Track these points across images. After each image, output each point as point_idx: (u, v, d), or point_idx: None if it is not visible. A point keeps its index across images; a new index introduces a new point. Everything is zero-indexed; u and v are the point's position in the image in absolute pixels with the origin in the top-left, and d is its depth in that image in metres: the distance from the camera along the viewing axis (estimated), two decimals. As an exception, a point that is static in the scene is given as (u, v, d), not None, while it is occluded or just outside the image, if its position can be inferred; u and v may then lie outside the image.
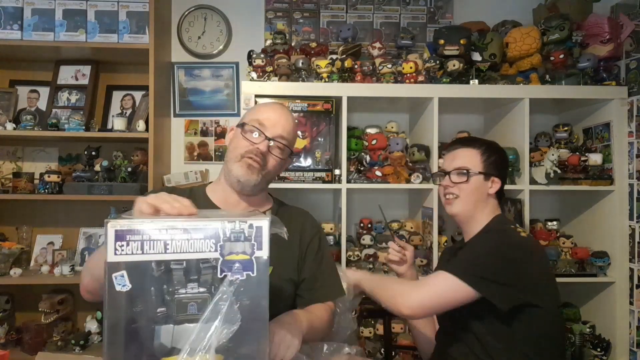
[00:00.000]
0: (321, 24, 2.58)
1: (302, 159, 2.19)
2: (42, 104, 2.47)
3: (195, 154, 2.60)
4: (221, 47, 2.58)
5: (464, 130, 2.41)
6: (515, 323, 1.33)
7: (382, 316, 1.97)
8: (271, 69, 2.15)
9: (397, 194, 2.53)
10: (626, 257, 2.14)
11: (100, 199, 2.23)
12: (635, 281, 2.11)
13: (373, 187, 2.18)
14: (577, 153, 2.22)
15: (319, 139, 2.20)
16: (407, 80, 2.15)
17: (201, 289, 0.80)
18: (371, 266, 2.17)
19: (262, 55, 2.16)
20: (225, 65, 2.59)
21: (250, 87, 2.08)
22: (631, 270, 2.12)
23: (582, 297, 2.33)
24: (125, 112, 2.49)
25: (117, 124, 2.30)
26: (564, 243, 2.24)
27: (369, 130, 2.34)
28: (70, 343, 2.22)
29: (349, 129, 2.23)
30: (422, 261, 2.14)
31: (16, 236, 2.44)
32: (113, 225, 0.77)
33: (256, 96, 2.09)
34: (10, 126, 2.25)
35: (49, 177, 2.27)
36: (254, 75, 2.15)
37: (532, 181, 2.14)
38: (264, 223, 0.81)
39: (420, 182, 2.15)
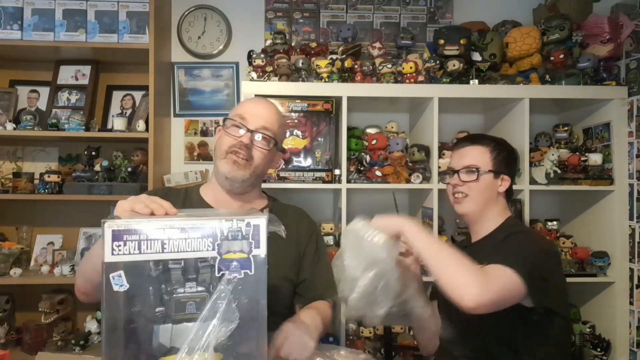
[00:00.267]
0: (321, 24, 2.58)
1: (302, 159, 2.19)
2: (42, 104, 2.47)
3: (195, 154, 2.60)
4: (221, 47, 2.58)
5: (464, 130, 2.41)
6: (529, 329, 1.31)
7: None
8: (271, 69, 2.15)
9: (397, 194, 2.52)
10: (626, 257, 2.13)
11: (100, 199, 2.23)
12: (635, 281, 2.10)
13: (373, 187, 2.18)
14: (577, 153, 2.22)
15: (319, 139, 2.20)
16: (407, 80, 2.15)
17: (199, 288, 0.80)
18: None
19: (262, 55, 2.16)
20: (225, 65, 2.59)
21: (250, 87, 2.08)
22: (631, 270, 2.12)
23: (582, 297, 2.33)
24: (125, 112, 2.49)
25: (117, 124, 2.30)
26: (564, 243, 2.24)
27: (369, 130, 2.34)
28: (70, 343, 2.22)
29: (349, 129, 2.23)
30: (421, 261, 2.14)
31: (16, 236, 2.44)
32: (110, 225, 0.77)
33: (256, 96, 2.08)
34: (10, 126, 2.25)
35: (49, 177, 2.27)
36: (254, 75, 2.15)
37: (532, 181, 2.14)
38: (261, 221, 0.81)
39: (420, 182, 2.15)
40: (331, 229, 2.22)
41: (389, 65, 2.15)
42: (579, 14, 2.30)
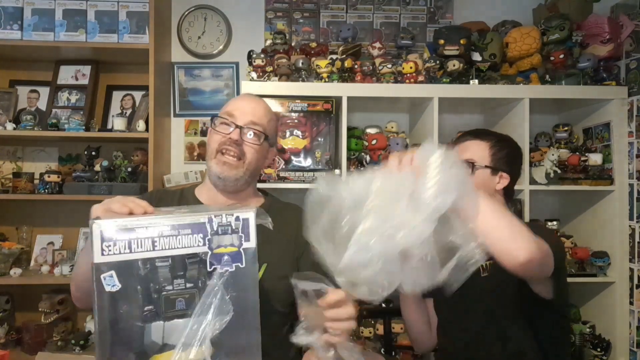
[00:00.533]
0: (321, 24, 2.58)
1: (302, 159, 2.19)
2: (42, 104, 2.47)
3: (195, 154, 2.60)
4: (221, 47, 2.58)
5: (464, 130, 2.40)
6: (537, 322, 1.32)
7: (382, 316, 1.97)
8: (271, 69, 2.15)
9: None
10: (626, 257, 2.13)
11: (100, 199, 2.16)
12: (635, 281, 2.11)
13: (373, 187, 2.17)
14: (577, 153, 2.22)
15: (319, 139, 2.20)
16: (407, 80, 2.15)
17: (188, 285, 0.80)
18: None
19: (262, 55, 2.16)
20: (225, 65, 2.59)
21: (250, 87, 2.08)
22: (631, 270, 2.12)
23: (582, 297, 2.33)
24: (125, 112, 2.49)
25: (117, 124, 2.29)
26: (564, 243, 2.24)
27: (369, 130, 2.34)
28: (70, 343, 2.22)
29: (349, 129, 2.23)
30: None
31: (16, 236, 2.44)
32: (99, 226, 0.77)
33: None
34: (10, 126, 2.25)
35: (49, 177, 2.27)
36: (254, 75, 2.15)
37: (532, 181, 2.14)
38: (250, 215, 0.83)
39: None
40: (331, 229, 2.21)
41: (389, 65, 2.15)
42: (579, 14, 2.31)
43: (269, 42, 2.30)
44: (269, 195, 1.44)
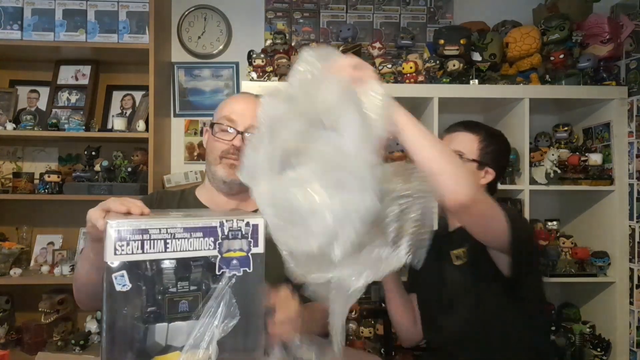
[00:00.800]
0: (321, 24, 2.58)
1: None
2: (42, 104, 2.47)
3: (195, 154, 2.60)
4: (221, 47, 2.58)
5: (464, 130, 2.41)
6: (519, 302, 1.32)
7: (382, 316, 1.97)
8: (271, 69, 2.15)
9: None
10: (626, 257, 2.13)
11: (100, 199, 2.17)
12: (635, 281, 2.11)
13: (373, 187, 2.18)
14: (577, 153, 2.22)
15: (319, 139, 2.20)
16: (407, 80, 2.15)
17: (192, 287, 0.81)
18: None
19: (262, 55, 2.16)
20: (225, 65, 2.59)
21: (250, 87, 2.08)
22: (631, 270, 2.12)
23: (582, 297, 2.33)
24: (125, 112, 2.49)
25: (117, 124, 2.30)
26: (564, 243, 2.24)
27: (369, 130, 2.34)
28: (70, 343, 2.22)
29: (349, 129, 2.23)
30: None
31: (16, 236, 2.44)
32: (112, 225, 0.77)
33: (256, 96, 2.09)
34: (10, 126, 2.26)
35: (49, 177, 2.27)
36: (254, 75, 2.15)
37: (532, 181, 2.14)
38: (260, 221, 0.85)
39: (420, 182, 2.15)
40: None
41: (389, 65, 2.15)
42: (579, 14, 2.31)
43: (269, 42, 2.30)
44: None
